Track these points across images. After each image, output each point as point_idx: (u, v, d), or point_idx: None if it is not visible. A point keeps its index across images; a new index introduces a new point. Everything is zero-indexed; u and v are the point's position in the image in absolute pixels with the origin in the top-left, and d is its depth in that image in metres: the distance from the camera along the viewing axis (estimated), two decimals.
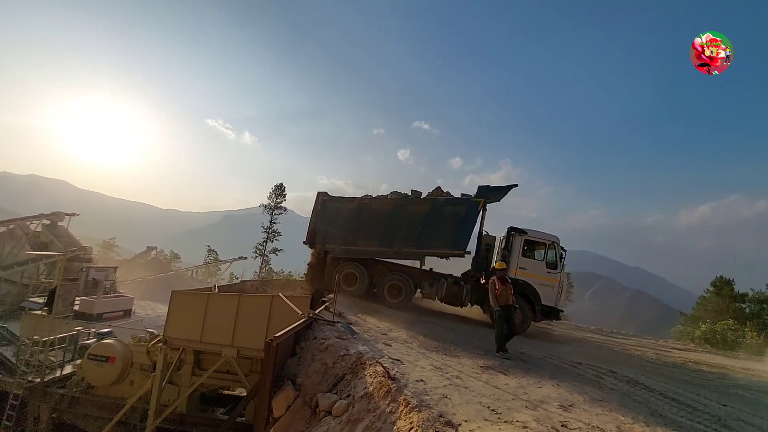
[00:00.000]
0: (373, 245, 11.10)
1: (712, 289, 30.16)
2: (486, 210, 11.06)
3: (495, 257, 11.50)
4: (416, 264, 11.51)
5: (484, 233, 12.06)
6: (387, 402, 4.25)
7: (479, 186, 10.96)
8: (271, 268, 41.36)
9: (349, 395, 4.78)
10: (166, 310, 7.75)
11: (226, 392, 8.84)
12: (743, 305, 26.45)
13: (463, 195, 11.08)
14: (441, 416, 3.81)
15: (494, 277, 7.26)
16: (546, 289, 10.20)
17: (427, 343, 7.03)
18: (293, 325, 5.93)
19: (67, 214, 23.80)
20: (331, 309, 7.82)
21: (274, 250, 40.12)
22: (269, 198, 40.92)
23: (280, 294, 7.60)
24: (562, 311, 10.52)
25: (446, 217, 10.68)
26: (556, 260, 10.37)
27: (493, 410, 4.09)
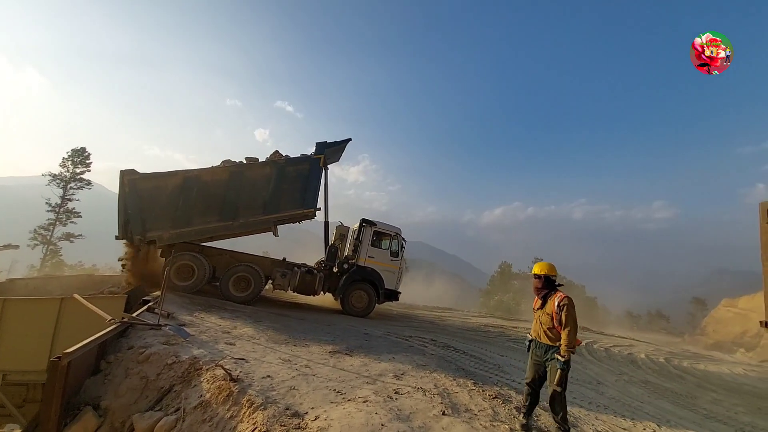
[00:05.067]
0: (213, 221, 9.92)
1: (499, 270, 42.60)
2: (327, 169, 11.43)
3: (348, 246, 12.12)
4: (266, 253, 10.93)
5: (339, 223, 12.51)
6: (227, 407, 3.88)
7: (317, 143, 11.14)
8: (62, 259, 31.13)
9: (179, 408, 4.12)
10: None
11: None
12: (515, 282, 38.30)
13: (302, 155, 11.13)
14: (287, 409, 3.76)
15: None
16: (389, 274, 11.47)
17: (275, 337, 6.78)
18: (96, 335, 4.62)
19: None
20: (156, 310, 6.51)
21: (69, 237, 30.27)
22: (61, 165, 30.40)
23: (77, 295, 5.80)
24: (400, 293, 12.07)
25: (290, 178, 10.60)
26: (398, 249, 11.78)
27: (338, 392, 4.32)
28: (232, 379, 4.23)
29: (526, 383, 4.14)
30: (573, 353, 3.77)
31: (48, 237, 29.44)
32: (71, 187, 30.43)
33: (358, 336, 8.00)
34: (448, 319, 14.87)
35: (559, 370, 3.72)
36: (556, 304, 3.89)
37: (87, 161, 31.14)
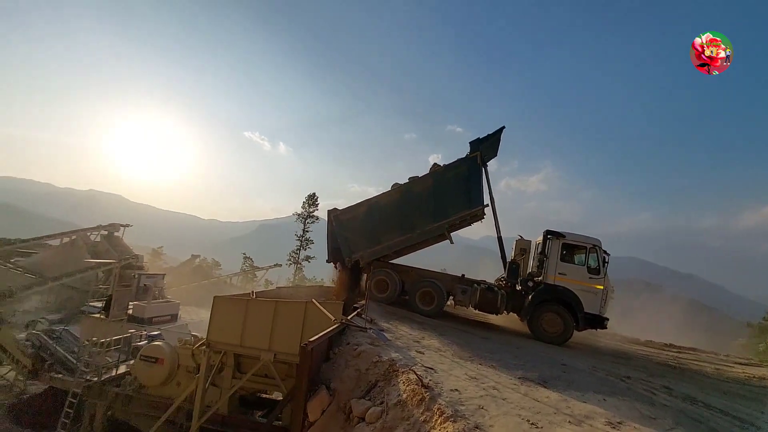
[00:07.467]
0: (396, 237, 11.27)
1: None
2: (487, 166, 11.08)
3: (531, 262, 11.06)
4: (446, 270, 11.36)
5: (518, 237, 11.65)
6: (421, 410, 4.19)
7: (470, 142, 11.01)
8: (304, 275, 42.51)
9: (382, 402, 4.76)
10: (209, 315, 8.11)
11: (264, 395, 9.07)
12: None
13: (458, 159, 11.15)
14: (477, 427, 3.70)
15: None
16: (589, 295, 9.64)
17: (460, 352, 6.86)
18: (326, 331, 6.03)
19: (122, 225, 25.88)
20: (363, 315, 7.87)
21: (307, 258, 41.34)
22: (302, 207, 42.46)
23: (314, 300, 7.75)
24: (608, 320, 9.88)
25: (452, 182, 10.89)
26: (599, 265, 9.78)
27: (533, 423, 3.91)
28: (424, 386, 4.55)
29: None
30: None
31: (296, 258, 41.23)
32: (308, 222, 41.91)
33: (553, 366, 7.03)
34: (689, 362, 10.94)
35: None
36: None
37: (316, 203, 42.56)
